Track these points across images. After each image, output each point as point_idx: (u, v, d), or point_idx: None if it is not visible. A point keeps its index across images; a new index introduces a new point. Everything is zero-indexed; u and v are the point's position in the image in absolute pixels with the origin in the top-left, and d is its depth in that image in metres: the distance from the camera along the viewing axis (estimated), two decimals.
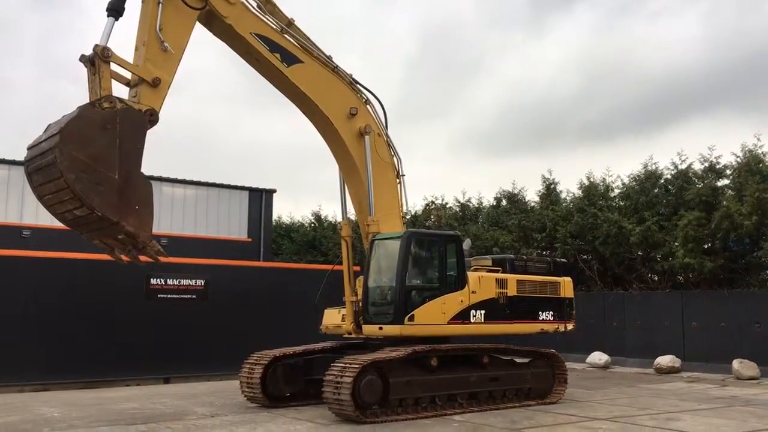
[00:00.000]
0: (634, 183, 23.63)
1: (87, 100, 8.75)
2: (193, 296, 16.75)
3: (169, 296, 16.40)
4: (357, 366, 10.24)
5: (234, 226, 29.28)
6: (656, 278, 22.41)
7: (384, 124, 12.98)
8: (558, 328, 13.73)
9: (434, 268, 12.19)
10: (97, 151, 8.16)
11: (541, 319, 13.39)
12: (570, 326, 14.00)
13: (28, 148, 8.50)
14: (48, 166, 7.99)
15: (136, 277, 15.72)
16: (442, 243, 12.27)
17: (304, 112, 12.31)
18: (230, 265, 18.35)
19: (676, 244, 20.17)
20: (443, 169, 65.09)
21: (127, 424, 10.31)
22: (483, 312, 12.24)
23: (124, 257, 9.47)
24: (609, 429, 10.09)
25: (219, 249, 25.28)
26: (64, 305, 14.90)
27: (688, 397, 13.95)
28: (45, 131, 8.41)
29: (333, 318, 12.96)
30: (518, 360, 13.06)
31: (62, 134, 7.93)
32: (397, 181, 13.13)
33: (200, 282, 16.87)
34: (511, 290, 12.83)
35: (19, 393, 13.81)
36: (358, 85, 12.61)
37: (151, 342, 15.70)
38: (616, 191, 24.62)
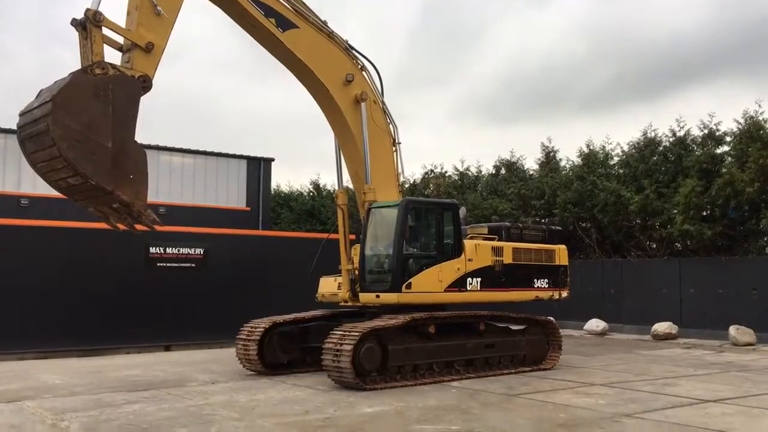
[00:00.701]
0: (634, 150, 23.54)
1: (80, 66, 8.57)
2: (192, 265, 16.78)
3: (168, 265, 16.43)
4: (357, 334, 10.30)
5: (232, 195, 29.23)
6: (654, 246, 22.47)
7: (380, 91, 12.85)
8: (553, 295, 13.81)
9: (431, 236, 12.20)
10: (90, 119, 7.99)
11: (536, 286, 13.48)
12: (564, 293, 14.09)
13: (20, 114, 8.32)
14: (40, 134, 7.84)
15: (136, 245, 15.75)
16: (439, 211, 12.26)
17: (299, 79, 12.17)
18: (229, 233, 18.36)
19: (675, 211, 20.18)
20: (444, 138, 64.94)
21: (128, 390, 10.40)
22: (479, 280, 12.30)
23: (120, 225, 9.41)
24: (606, 394, 10.19)
25: (217, 218, 25.27)
26: (63, 274, 14.93)
27: (684, 363, 14.08)
28: (37, 97, 8.23)
29: (329, 286, 12.99)
30: (513, 327, 13.17)
31: (54, 101, 7.75)
32: (393, 148, 13.05)
33: (199, 251, 16.90)
34: (507, 258, 12.87)
35: (20, 361, 13.91)
36: (353, 52, 12.45)
37: (151, 310, 15.78)
38: (616, 159, 24.56)
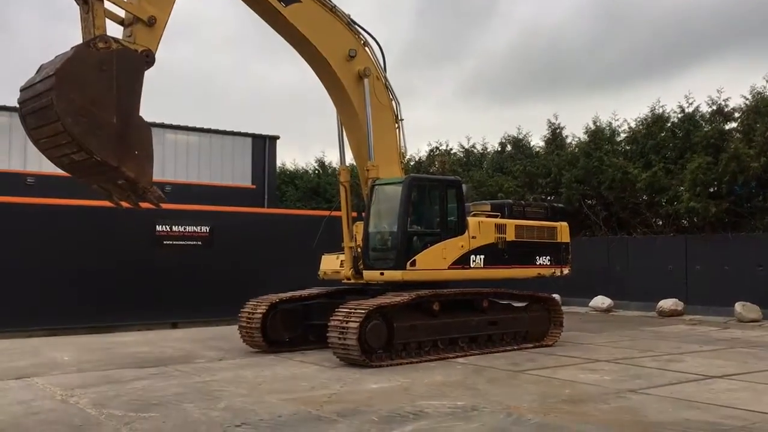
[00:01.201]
0: (641, 127, 23.39)
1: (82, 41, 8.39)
2: (199, 242, 16.85)
3: (174, 243, 16.51)
4: (363, 311, 10.33)
5: (238, 173, 29.25)
6: (660, 223, 22.41)
7: (382, 67, 12.71)
8: (554, 272, 13.83)
9: (435, 213, 12.16)
10: (94, 94, 7.81)
11: (538, 263, 13.49)
12: (566, 270, 14.11)
13: (21, 90, 8.11)
14: (43, 108, 7.66)
15: (143, 224, 15.80)
16: (443, 188, 12.22)
17: (302, 55, 12.02)
18: (235, 211, 18.40)
19: (682, 188, 20.09)
20: (452, 116, 64.65)
21: (136, 367, 10.49)
22: (482, 257, 12.30)
23: (123, 203, 9.29)
24: (611, 370, 10.23)
25: (223, 196, 25.30)
26: (70, 252, 15.01)
27: (689, 340, 14.10)
28: (38, 72, 8.06)
29: (331, 264, 12.97)
30: (515, 304, 13.21)
31: (58, 76, 7.56)
32: (396, 125, 12.94)
33: (205, 228, 16.95)
34: (510, 235, 12.86)
35: (28, 338, 14.03)
36: (356, 26, 12.28)
37: (158, 287, 15.87)
38: (623, 135, 24.41)
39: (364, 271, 11.90)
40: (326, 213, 15.17)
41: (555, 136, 26.39)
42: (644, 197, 22.05)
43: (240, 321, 12.12)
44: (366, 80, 12.20)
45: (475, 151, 30.09)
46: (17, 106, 8.21)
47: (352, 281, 12.36)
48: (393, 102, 12.94)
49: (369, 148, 12.26)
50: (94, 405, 7.78)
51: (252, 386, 8.95)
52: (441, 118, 63.18)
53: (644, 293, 20.19)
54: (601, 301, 20.73)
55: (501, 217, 13.09)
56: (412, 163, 31.97)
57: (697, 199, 19.19)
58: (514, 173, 25.20)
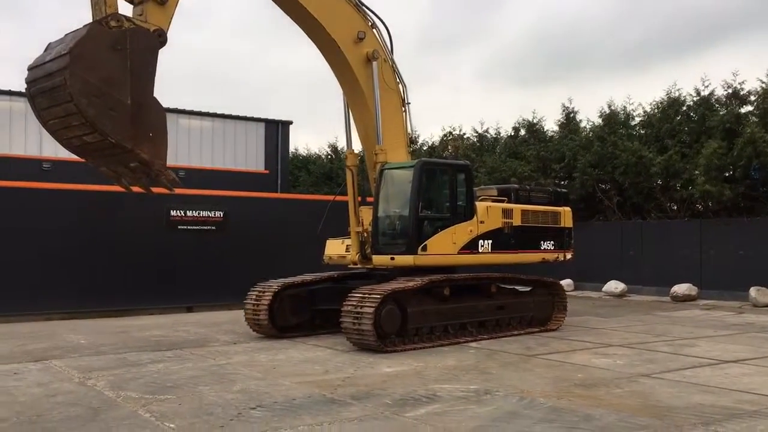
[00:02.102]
0: (656, 111, 23.19)
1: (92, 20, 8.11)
2: (213, 227, 16.96)
3: (189, 228, 16.62)
4: (378, 296, 10.31)
5: (251, 159, 29.31)
6: (675, 207, 22.27)
7: (390, 50, 12.59)
8: (558, 257, 13.83)
9: (445, 197, 12.09)
10: (108, 74, 7.58)
11: (542, 248, 13.49)
12: (569, 255, 14.11)
13: (30, 69, 7.82)
14: (55, 88, 7.40)
15: (157, 209, 15.95)
16: (453, 172, 12.15)
17: (310, 37, 11.90)
18: (248, 196, 18.47)
19: (697, 172, 19.94)
20: (470, 99, 64.31)
21: (152, 350, 10.61)
22: (490, 242, 12.28)
23: (134, 187, 9.11)
24: (624, 355, 10.23)
25: (237, 181, 25.40)
26: (87, 237, 15.17)
27: (703, 324, 14.06)
28: (46, 50, 7.76)
29: (336, 248, 12.94)
30: (520, 289, 13.25)
31: (72, 55, 7.30)
32: (403, 109, 12.83)
33: (219, 213, 17.05)
34: (516, 220, 12.86)
35: (46, 321, 14.22)
36: (364, 8, 12.17)
37: (173, 272, 16.02)
38: (637, 119, 24.23)
39: (373, 256, 11.84)
40: (331, 198, 15.06)
41: (569, 120, 26.22)
42: (659, 182, 21.91)
43: (246, 307, 11.97)
44: (374, 63, 12.11)
45: (489, 135, 29.98)
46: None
47: (359, 266, 12.32)
48: (400, 85, 12.83)
49: (377, 132, 12.17)
50: (112, 387, 7.89)
51: (266, 370, 9.03)
52: (457, 102, 62.90)
53: (658, 278, 20.12)
54: (614, 285, 20.68)
55: (507, 202, 13.08)
56: (425, 148, 31.92)
57: (713, 183, 19.04)
58: (528, 158, 25.10)
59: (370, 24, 12.26)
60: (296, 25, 11.74)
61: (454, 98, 64.84)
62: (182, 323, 14.06)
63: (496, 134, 29.86)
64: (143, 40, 8.09)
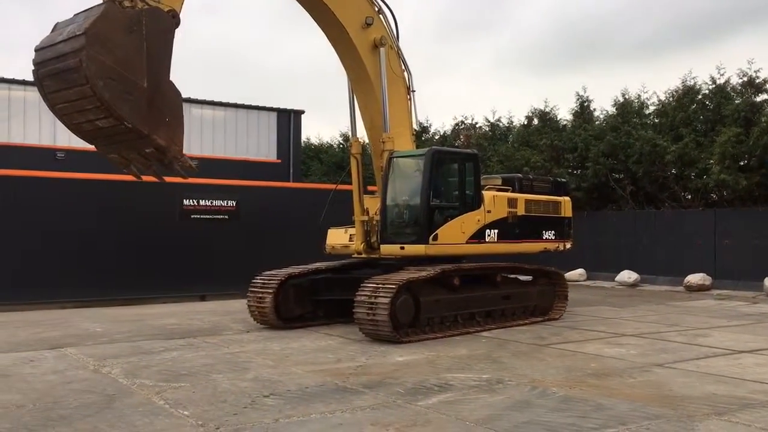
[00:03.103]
0: (671, 99, 22.98)
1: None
2: (225, 216, 17.03)
3: (202, 217, 16.70)
4: (392, 286, 10.14)
5: (263, 148, 29.35)
6: (689, 197, 22.12)
7: (395, 36, 12.43)
8: (558, 247, 13.83)
9: (455, 186, 12.00)
10: (124, 56, 7.26)
11: (544, 238, 13.48)
12: (568, 245, 14.12)
13: (38, 50, 7.44)
14: (68, 71, 7.06)
15: (170, 198, 16.06)
16: (461, 161, 12.07)
17: (319, 23, 11.78)
18: (261, 186, 18.52)
19: (712, 161, 19.77)
20: (486, 87, 64.03)
21: (166, 338, 10.69)
22: (496, 231, 12.23)
23: (145, 177, 8.86)
24: (637, 344, 10.20)
25: (249, 170, 25.45)
26: (101, 226, 15.29)
27: (717, 314, 13.98)
28: (54, 30, 7.42)
29: (339, 238, 12.78)
30: (521, 278, 13.25)
31: (88, 35, 6.95)
32: (408, 96, 12.69)
33: (232, 203, 17.12)
34: (521, 210, 12.83)
35: (61, 309, 14.35)
36: None
37: (186, 260, 16.11)
38: (652, 108, 24.03)
39: (381, 246, 11.67)
40: (333, 186, 14.88)
41: (583, 110, 26.04)
42: (673, 171, 21.76)
43: (249, 297, 11.79)
44: (382, 49, 11.97)
45: (501, 124, 29.84)
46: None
47: (364, 256, 12.14)
48: (405, 73, 12.69)
49: (384, 120, 11.98)
50: (126, 375, 7.96)
51: (279, 358, 9.08)
52: (474, 90, 62.60)
53: (672, 268, 20.01)
54: (627, 275, 20.59)
55: (512, 191, 13.00)
56: (437, 137, 31.83)
57: (728, 171, 18.87)
58: (541, 147, 24.98)
59: (377, 10, 12.13)
60: (305, 11, 11.61)
61: (470, 87, 64.64)
62: (195, 312, 14.15)
63: (508, 123, 29.74)
64: (159, 21, 7.74)
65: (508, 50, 66.06)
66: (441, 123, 49.41)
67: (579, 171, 23.92)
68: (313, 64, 74.86)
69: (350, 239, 12.50)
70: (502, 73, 67.21)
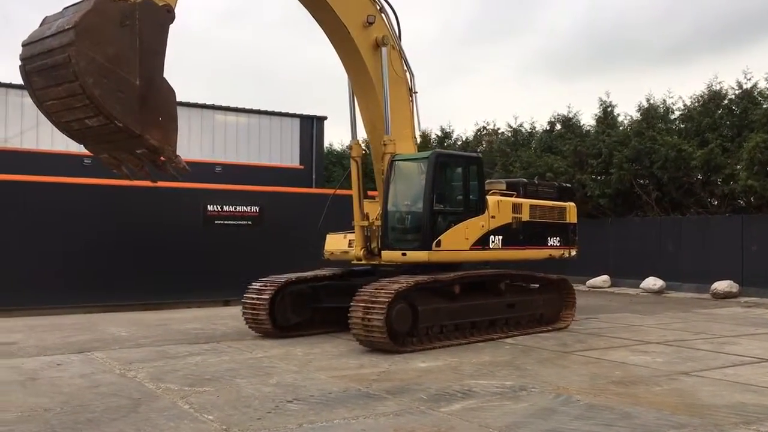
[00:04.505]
0: (697, 104, 22.74)
1: None
2: (249, 222, 17.15)
3: (225, 222, 16.84)
4: (388, 295, 9.75)
5: (286, 154, 29.51)
6: (716, 203, 21.84)
7: (398, 36, 12.09)
8: (563, 253, 13.50)
9: (458, 191, 11.63)
10: (116, 52, 6.84)
11: (549, 244, 13.19)
12: (573, 252, 13.80)
13: (25, 45, 7.05)
14: (57, 66, 6.69)
15: (194, 203, 16.25)
16: (465, 165, 11.70)
17: (319, 22, 11.44)
18: (283, 191, 18.63)
19: (739, 167, 19.50)
20: (513, 92, 63.86)
21: (190, 343, 10.78)
22: (500, 237, 11.88)
23: (137, 181, 8.54)
24: (663, 352, 10.08)
25: (272, 176, 25.59)
26: (126, 232, 15.48)
27: (744, 322, 13.77)
28: (42, 25, 7.06)
29: (338, 243, 12.44)
30: (525, 285, 12.87)
31: (78, 30, 6.56)
32: (410, 98, 12.31)
33: (255, 208, 17.23)
34: (525, 215, 12.51)
35: (87, 314, 14.53)
36: None
37: (210, 266, 16.24)
38: (677, 113, 23.79)
39: (382, 252, 11.29)
40: (332, 191, 14.56)
41: (606, 115, 25.85)
42: (699, 176, 21.51)
43: (244, 305, 11.49)
44: (384, 49, 11.61)
45: (523, 130, 29.71)
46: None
47: (363, 262, 11.79)
48: (408, 74, 12.35)
49: (386, 122, 11.61)
50: (152, 379, 8.04)
51: (302, 363, 9.11)
52: (498, 96, 62.46)
53: (698, 275, 19.75)
54: (652, 282, 20.37)
55: (516, 196, 12.69)
56: (458, 143, 31.78)
57: (755, 177, 18.61)
58: (564, 153, 24.83)
59: (378, 8, 11.81)
60: (304, 7, 11.26)
61: (494, 92, 64.50)
62: (219, 317, 14.25)
63: (531, 129, 29.60)
64: (153, 16, 7.31)
65: (534, 56, 65.87)
66: (463, 128, 49.28)
67: (603, 177, 23.73)
68: (336, 69, 75.12)
69: (349, 245, 12.12)
70: (527, 78, 67.03)
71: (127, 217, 15.54)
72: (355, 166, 12.30)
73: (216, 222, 16.72)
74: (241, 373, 8.42)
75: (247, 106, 28.72)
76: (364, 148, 12.83)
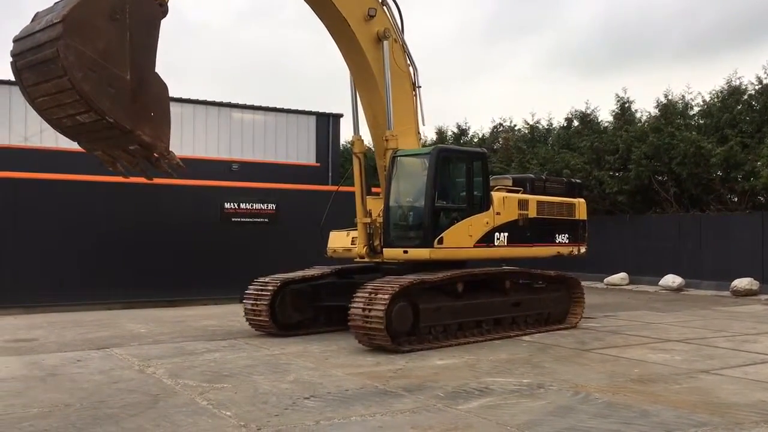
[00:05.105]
0: (716, 100, 22.49)
1: None
2: (265, 220, 17.21)
3: (242, 220, 16.92)
4: (388, 293, 9.61)
5: (303, 152, 29.60)
6: (736, 199, 21.60)
7: (400, 29, 11.85)
8: (572, 251, 13.24)
9: (461, 187, 11.39)
10: (105, 46, 6.67)
11: (557, 241, 12.94)
12: (583, 249, 13.53)
13: (16, 40, 6.89)
14: (46, 62, 6.53)
15: (211, 201, 16.35)
16: (469, 160, 11.43)
17: (318, 15, 11.23)
18: (300, 189, 18.67)
19: (759, 163, 19.27)
20: (533, 88, 63.62)
21: (208, 339, 10.84)
22: (506, 234, 11.65)
23: (134, 177, 8.43)
24: (682, 350, 9.98)
25: (288, 174, 25.64)
26: (145, 229, 15.61)
27: (765, 320, 13.62)
28: (34, 20, 6.90)
29: (341, 241, 12.24)
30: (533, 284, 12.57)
31: (66, 23, 6.37)
32: (414, 93, 12.09)
33: (271, 206, 17.30)
34: (532, 212, 12.27)
35: (107, 311, 14.66)
36: None
37: (227, 263, 16.33)
38: (696, 109, 23.55)
39: (384, 249, 11.10)
40: (334, 188, 14.29)
41: (623, 111, 25.65)
42: (719, 173, 21.27)
43: (245, 304, 11.39)
44: (385, 42, 11.39)
45: (540, 126, 29.56)
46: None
47: (366, 260, 11.63)
48: (411, 68, 12.10)
49: (388, 117, 11.41)
50: (170, 375, 8.09)
51: (319, 360, 9.13)
52: (516, 92, 62.20)
53: (717, 272, 19.56)
54: (671, 279, 20.18)
55: (523, 193, 12.46)
56: (475, 140, 31.68)
57: None
58: (581, 149, 24.66)
59: (380, 1, 11.57)
60: (307, 6, 11.13)
61: (512, 89, 64.30)
62: (236, 313, 14.26)
63: (548, 125, 29.44)
64: (144, 9, 7.16)
65: (553, 52, 65.56)
66: (480, 125, 49.25)
67: (621, 173, 23.55)
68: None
69: (352, 242, 11.95)
70: (546, 74, 66.71)
71: (145, 215, 15.67)
72: (357, 162, 12.15)
73: (233, 219, 16.81)
74: (258, 369, 8.45)
75: (265, 104, 28.88)
76: (367, 143, 12.67)
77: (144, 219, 15.64)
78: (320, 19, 11.28)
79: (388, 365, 8.77)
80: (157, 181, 15.21)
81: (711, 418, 6.26)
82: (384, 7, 11.62)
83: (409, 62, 12.13)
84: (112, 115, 6.69)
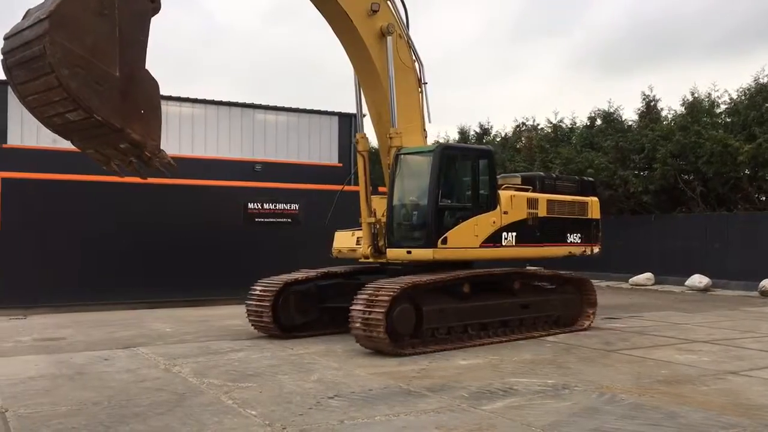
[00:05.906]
0: (743, 98, 22.15)
1: None
2: (288, 220, 17.30)
3: (265, 220, 17.02)
4: (389, 294, 9.45)
5: (325, 152, 29.68)
6: (764, 198, 21.26)
7: (405, 24, 11.59)
8: (585, 251, 12.91)
9: (467, 186, 11.09)
10: (94, 42, 6.50)
11: (569, 241, 12.59)
12: (596, 249, 13.18)
13: (6, 38, 6.76)
14: (34, 59, 6.38)
15: (235, 201, 16.50)
16: (475, 158, 11.14)
17: (320, 10, 10.97)
18: (323, 189, 18.71)
19: None
20: (552, 89, 63.23)
21: (232, 339, 10.92)
22: (514, 234, 11.33)
23: (128, 177, 8.23)
24: (710, 351, 9.86)
25: (311, 174, 25.74)
26: (169, 230, 15.76)
27: None
28: (25, 17, 6.72)
29: (346, 241, 12.09)
30: (540, 285, 12.40)
31: (52, 19, 6.22)
32: (419, 89, 11.80)
33: (294, 206, 17.37)
34: (542, 211, 11.96)
35: (132, 310, 14.82)
36: None
37: (250, 263, 16.38)
38: (723, 107, 23.21)
39: (388, 250, 10.88)
40: (339, 187, 14.15)
41: (649, 109, 25.36)
42: (746, 171, 20.95)
43: (248, 305, 11.23)
44: (389, 38, 11.11)
45: (563, 126, 29.33)
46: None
47: (371, 260, 11.41)
48: (416, 63, 11.79)
49: (392, 114, 11.14)
50: (195, 374, 8.16)
51: (342, 360, 9.15)
52: (541, 91, 61.81)
53: (745, 272, 19.27)
54: (698, 280, 19.93)
55: (532, 191, 12.17)
56: (498, 139, 31.53)
57: None
58: (605, 149, 24.43)
59: None
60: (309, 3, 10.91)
61: (538, 88, 63.94)
62: None
63: (571, 124, 29.20)
64: (134, 4, 6.95)
65: (580, 51, 65.01)
66: (502, 125, 48.95)
67: (646, 172, 23.29)
68: None
69: (357, 242, 11.74)
70: (572, 74, 66.21)
71: (169, 216, 15.82)
72: (361, 160, 11.87)
73: (256, 219, 16.92)
74: (282, 369, 8.49)
75: (288, 105, 29.01)
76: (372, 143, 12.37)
77: (168, 220, 15.79)
78: (322, 14, 11.04)
79: (411, 365, 8.76)
80: (182, 181, 15.50)
81: (740, 420, 6.17)
82: (388, 2, 11.38)
83: (414, 58, 11.82)
84: (101, 113, 6.55)
